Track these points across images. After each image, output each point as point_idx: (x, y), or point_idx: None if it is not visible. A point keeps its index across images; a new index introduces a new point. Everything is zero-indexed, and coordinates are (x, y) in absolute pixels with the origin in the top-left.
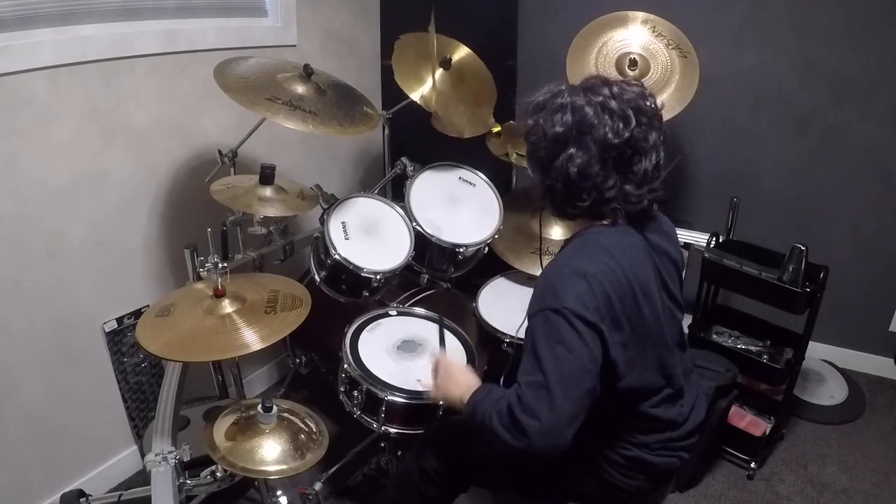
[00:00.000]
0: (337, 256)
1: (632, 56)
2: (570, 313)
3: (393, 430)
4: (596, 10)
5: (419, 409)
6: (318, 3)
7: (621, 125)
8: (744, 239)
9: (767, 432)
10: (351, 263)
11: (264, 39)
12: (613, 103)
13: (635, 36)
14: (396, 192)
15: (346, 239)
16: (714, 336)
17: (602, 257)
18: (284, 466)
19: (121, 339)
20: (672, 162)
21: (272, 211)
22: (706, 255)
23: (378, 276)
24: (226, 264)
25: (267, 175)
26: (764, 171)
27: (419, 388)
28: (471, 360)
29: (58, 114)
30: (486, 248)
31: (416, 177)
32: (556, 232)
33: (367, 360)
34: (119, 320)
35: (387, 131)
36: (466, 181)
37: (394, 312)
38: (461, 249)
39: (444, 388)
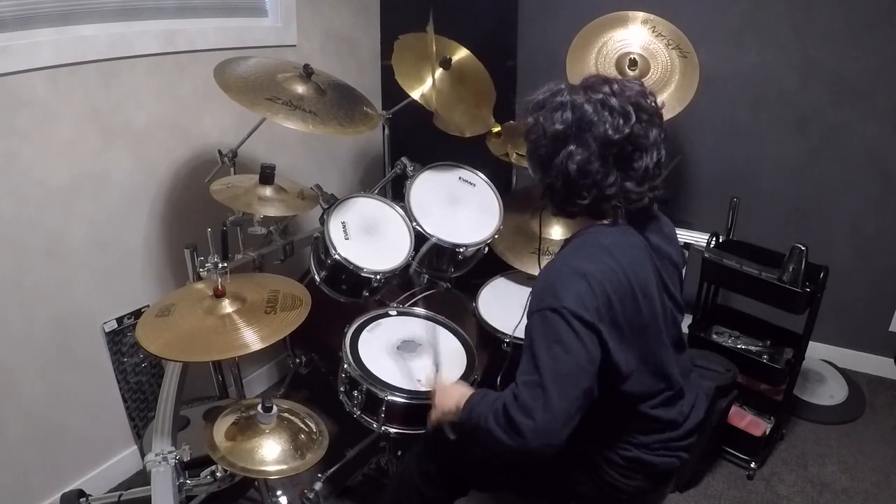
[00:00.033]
0: (337, 256)
1: (632, 56)
2: (568, 313)
3: (393, 430)
4: (596, 11)
5: (419, 409)
6: (318, 3)
7: (621, 121)
8: (744, 239)
9: (767, 432)
10: (351, 263)
11: (264, 39)
12: (614, 100)
13: (635, 36)
14: (396, 192)
15: (346, 239)
16: (714, 336)
17: (602, 257)
18: (284, 466)
19: (121, 339)
20: (672, 162)
21: (272, 211)
22: (706, 255)
23: (378, 276)
24: (226, 264)
25: (267, 175)
26: (764, 171)
27: (419, 388)
28: (471, 360)
29: (58, 114)
30: (486, 248)
31: (416, 177)
32: (556, 232)
33: (367, 360)
34: (119, 320)
35: (387, 131)
36: (466, 181)
37: (394, 312)
38: (461, 249)
39: (441, 405)
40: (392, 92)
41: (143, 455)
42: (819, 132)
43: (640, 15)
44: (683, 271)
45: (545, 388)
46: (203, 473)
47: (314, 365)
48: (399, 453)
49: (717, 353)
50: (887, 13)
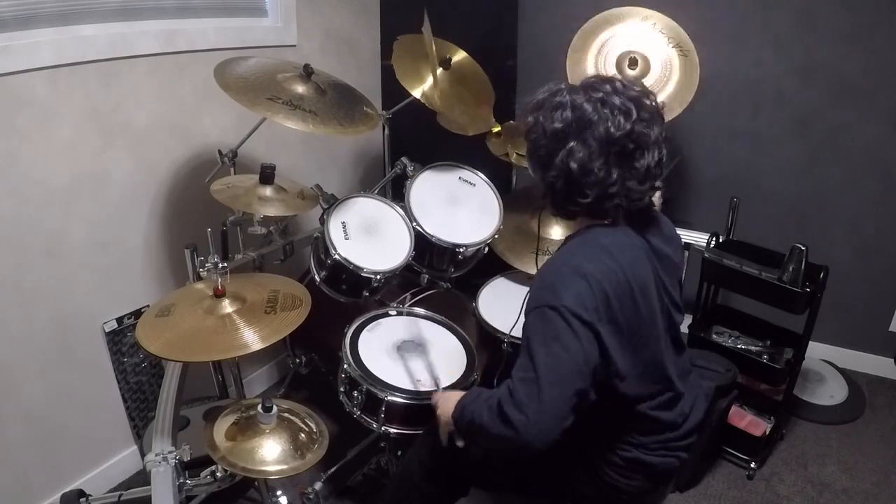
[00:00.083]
0: (337, 256)
1: (632, 55)
2: (567, 312)
3: (393, 430)
4: (596, 10)
5: (419, 409)
6: (318, 3)
7: (622, 119)
8: (744, 239)
9: (767, 432)
10: (351, 263)
11: (264, 39)
12: (615, 98)
13: (635, 35)
14: (396, 192)
15: (346, 239)
16: (714, 336)
17: (602, 256)
18: (284, 466)
19: (121, 339)
20: (672, 162)
21: (272, 211)
22: (706, 255)
23: (378, 276)
24: (226, 264)
25: (267, 175)
26: (764, 172)
27: (419, 388)
28: (470, 360)
29: (58, 114)
30: (486, 248)
31: (416, 177)
32: (556, 232)
33: (367, 360)
34: (119, 320)
35: (387, 131)
36: (466, 181)
37: (394, 312)
38: (461, 249)
39: (444, 415)
40: (392, 92)
41: (143, 455)
42: (819, 132)
43: (642, 11)
44: (683, 274)
45: (540, 385)
46: (203, 473)
47: (314, 365)
48: (399, 453)
49: (717, 353)
50: (887, 13)
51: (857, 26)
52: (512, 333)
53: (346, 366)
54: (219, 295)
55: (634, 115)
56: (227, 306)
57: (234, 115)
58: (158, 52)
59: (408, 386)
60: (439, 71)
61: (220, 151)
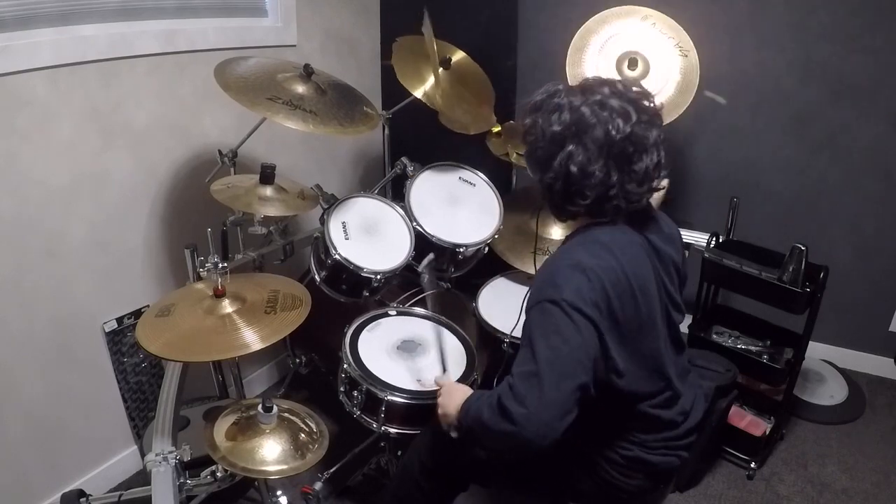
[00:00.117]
0: (337, 256)
1: (632, 56)
2: (567, 305)
3: (393, 430)
4: (596, 10)
5: (419, 409)
6: (318, 3)
7: (621, 122)
8: (744, 239)
9: (767, 432)
10: (351, 263)
11: (264, 39)
12: (613, 101)
13: (636, 34)
14: (396, 192)
15: (347, 239)
16: (714, 336)
17: (602, 253)
18: (285, 466)
19: (121, 339)
20: (672, 162)
21: (272, 211)
22: (706, 255)
23: (378, 276)
24: (226, 264)
25: (267, 175)
26: (764, 171)
27: (419, 388)
28: (471, 360)
29: (58, 114)
30: (486, 248)
31: (416, 177)
32: (556, 232)
33: (366, 360)
34: (119, 320)
35: (387, 131)
36: (466, 181)
37: (394, 312)
38: (461, 249)
39: (444, 406)
40: (392, 92)
41: (143, 455)
42: (819, 132)
43: (642, 10)
44: (686, 272)
45: (540, 377)
46: (203, 473)
47: (314, 365)
48: (399, 453)
49: (717, 353)
50: (887, 13)
51: (857, 26)
52: (512, 334)
53: (346, 366)
54: (219, 295)
55: (633, 118)
56: (227, 306)
57: (234, 115)
58: (158, 52)
59: (408, 386)
60: (440, 71)
61: (220, 151)
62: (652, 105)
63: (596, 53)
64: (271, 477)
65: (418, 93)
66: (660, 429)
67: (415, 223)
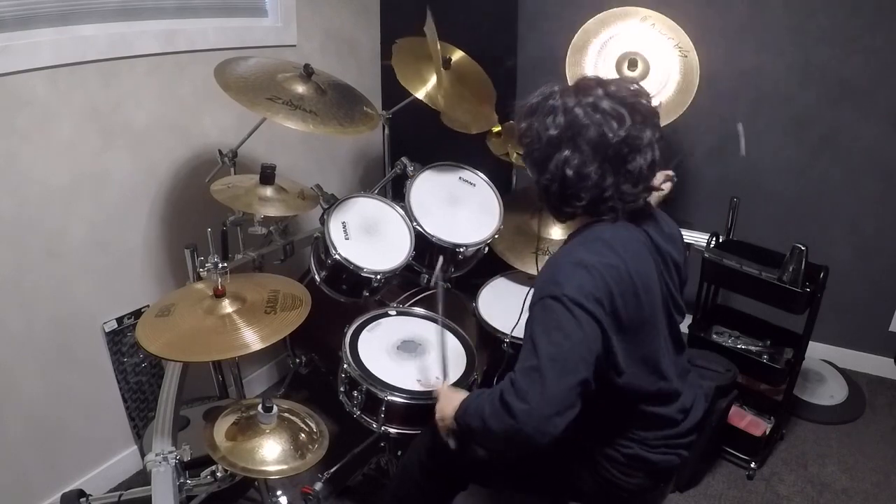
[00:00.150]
0: (337, 256)
1: (632, 57)
2: (569, 301)
3: (393, 430)
4: (596, 11)
5: (419, 409)
6: (318, 3)
7: (615, 124)
8: (744, 239)
9: (767, 432)
10: (351, 263)
11: (264, 39)
12: (605, 102)
13: (636, 35)
14: (396, 192)
15: (347, 239)
16: (714, 336)
17: (605, 251)
18: (285, 466)
19: (121, 339)
20: (674, 162)
21: (272, 211)
22: (706, 255)
23: (378, 276)
24: (226, 264)
25: (267, 175)
26: (764, 171)
27: (419, 388)
28: (470, 360)
29: (58, 114)
30: (486, 248)
31: (416, 177)
32: (556, 232)
33: (366, 360)
34: (119, 320)
35: (387, 131)
36: (466, 181)
37: (394, 312)
38: (461, 249)
39: (441, 409)
40: (392, 92)
41: (143, 455)
42: (819, 132)
43: (641, 11)
44: (687, 272)
45: (542, 372)
46: (203, 473)
47: (314, 365)
48: (399, 453)
49: (717, 353)
50: (887, 13)
51: (856, 27)
52: (512, 334)
53: (346, 366)
54: (219, 295)
55: (627, 120)
56: (227, 306)
57: (234, 115)
58: (158, 52)
59: (407, 386)
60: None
61: (220, 151)
62: (647, 104)
63: (596, 54)
64: (271, 477)
65: (420, 94)
66: (660, 426)
67: (415, 223)
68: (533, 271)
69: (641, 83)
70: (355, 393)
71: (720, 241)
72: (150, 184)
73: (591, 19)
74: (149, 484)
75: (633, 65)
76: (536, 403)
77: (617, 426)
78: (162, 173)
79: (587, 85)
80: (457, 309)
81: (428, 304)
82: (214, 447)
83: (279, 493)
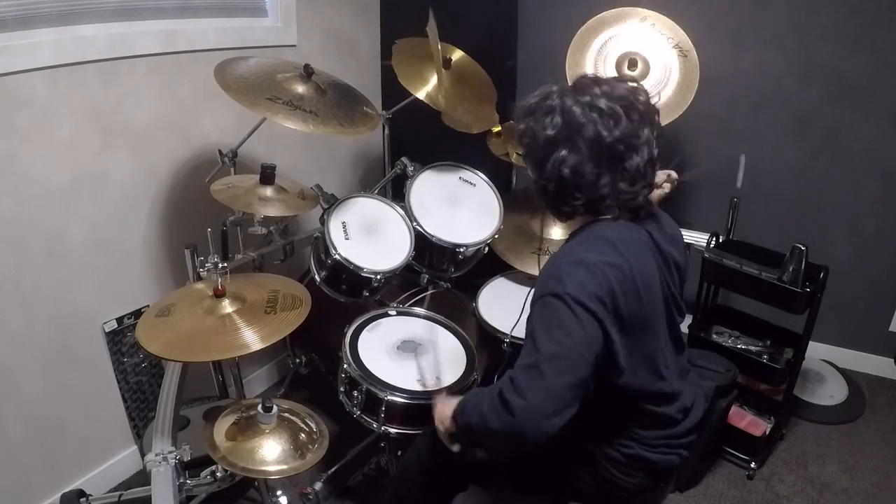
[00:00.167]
0: (337, 256)
1: (632, 57)
2: (571, 299)
3: (393, 430)
4: (596, 10)
5: (419, 409)
6: (318, 3)
7: (612, 123)
8: (744, 239)
9: (767, 432)
10: (351, 263)
11: (264, 39)
12: (602, 102)
13: (635, 35)
14: (396, 192)
15: (347, 239)
16: (714, 336)
17: (607, 249)
18: (284, 466)
19: (121, 339)
20: (673, 162)
21: (272, 211)
22: (706, 255)
23: (378, 276)
24: (226, 264)
25: (267, 175)
26: (764, 171)
27: (419, 388)
28: (470, 360)
29: (58, 114)
30: (486, 248)
31: (416, 177)
32: (556, 232)
33: (366, 360)
34: (119, 320)
35: (387, 131)
36: (466, 181)
37: (394, 312)
38: (461, 249)
39: (440, 412)
40: (392, 92)
41: (143, 455)
42: (819, 132)
43: (641, 11)
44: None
45: (541, 369)
46: (203, 473)
47: (314, 365)
48: (399, 453)
49: (717, 353)
50: (887, 13)
51: (856, 26)
52: (512, 334)
53: (346, 366)
54: (219, 295)
55: (623, 119)
56: (227, 306)
57: (234, 115)
58: (158, 52)
59: (408, 386)
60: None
61: (220, 151)
62: (645, 101)
63: (596, 54)
64: (271, 477)
65: (420, 94)
66: (660, 426)
67: (415, 223)
68: (533, 271)
69: (641, 83)
70: (355, 393)
71: (720, 241)
72: (150, 184)
73: (591, 19)
74: (149, 484)
75: (632, 65)
76: (535, 401)
77: (617, 426)
78: (162, 173)
79: (584, 84)
80: (457, 309)
81: (428, 304)
82: (214, 447)
83: (279, 493)
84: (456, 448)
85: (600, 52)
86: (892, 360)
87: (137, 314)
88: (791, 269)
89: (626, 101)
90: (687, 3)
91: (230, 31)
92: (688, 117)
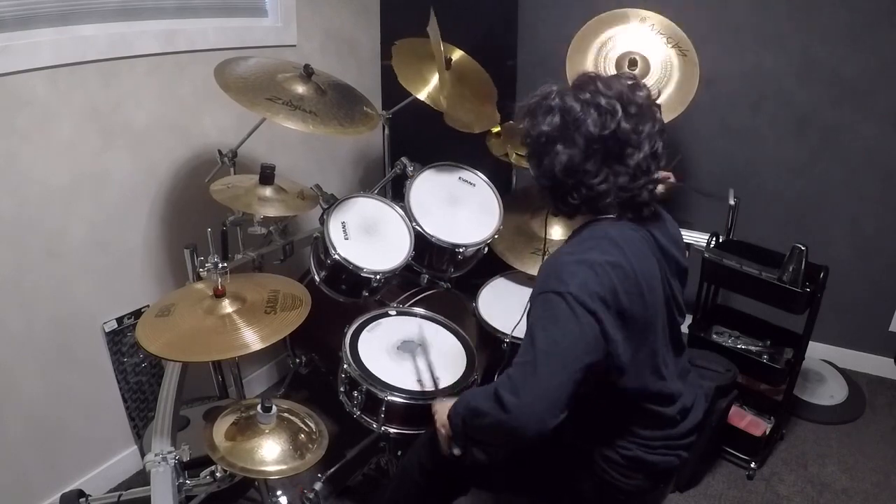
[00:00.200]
0: (337, 256)
1: (632, 56)
2: (572, 298)
3: (393, 430)
4: (596, 10)
5: (419, 409)
6: (318, 3)
7: (608, 118)
8: (744, 239)
9: (767, 432)
10: (351, 263)
11: (264, 39)
12: (600, 97)
13: (635, 35)
14: (396, 192)
15: (346, 239)
16: (714, 336)
17: (610, 248)
18: (284, 466)
19: (121, 339)
20: (672, 161)
21: (272, 211)
22: (706, 255)
23: (378, 276)
24: (226, 264)
25: (267, 175)
26: (764, 171)
27: (419, 388)
28: (471, 360)
29: (58, 114)
30: (486, 248)
31: (416, 177)
32: (557, 232)
33: (366, 360)
34: (119, 320)
35: (387, 131)
36: (466, 181)
37: (394, 312)
38: (461, 249)
39: (439, 414)
40: (392, 92)
41: (142, 455)
42: (819, 132)
43: (640, 12)
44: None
45: (536, 368)
46: (203, 473)
47: (314, 365)
48: (399, 453)
49: (717, 353)
50: (887, 13)
51: (856, 26)
52: (513, 334)
53: (346, 366)
54: (219, 295)
55: (619, 114)
56: (227, 306)
57: (234, 115)
58: (158, 52)
59: (408, 386)
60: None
61: (220, 151)
62: (645, 96)
63: (596, 54)
64: (271, 477)
65: (421, 94)
66: (659, 427)
67: (414, 223)
68: (533, 271)
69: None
70: (355, 393)
71: (720, 241)
72: (150, 184)
73: (591, 20)
74: (149, 484)
75: (632, 64)
76: (527, 397)
77: (616, 427)
78: (162, 173)
79: (584, 81)
80: (457, 309)
81: (428, 304)
82: (214, 447)
83: (279, 493)
84: (457, 452)
85: (600, 51)
86: (892, 360)
87: (137, 314)
88: (791, 269)
89: (626, 96)
90: (687, 4)
91: (230, 31)
92: (688, 117)
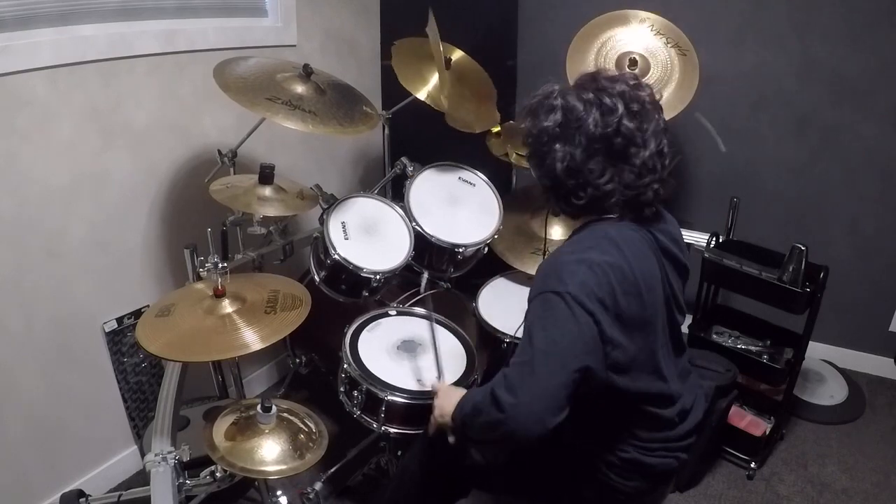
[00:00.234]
0: (336, 256)
1: (632, 56)
2: (570, 298)
3: (393, 430)
4: (596, 10)
5: (419, 409)
6: (318, 3)
7: (612, 117)
8: (744, 239)
9: (767, 432)
10: (350, 263)
11: (264, 39)
12: (603, 96)
13: (635, 35)
14: (396, 192)
15: (346, 239)
16: (714, 336)
17: (609, 248)
18: (284, 466)
19: (121, 339)
20: (673, 162)
21: (272, 211)
22: (706, 255)
23: (378, 276)
24: (226, 264)
25: (266, 175)
26: (764, 171)
27: (419, 388)
28: (470, 360)
29: (58, 114)
30: (486, 248)
31: (415, 177)
32: (557, 232)
33: (366, 360)
34: (119, 320)
35: (387, 131)
36: (466, 181)
37: (394, 312)
38: (461, 249)
39: (441, 407)
40: (392, 92)
41: (142, 455)
42: (819, 132)
43: (640, 13)
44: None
45: (533, 368)
46: (203, 473)
47: (314, 365)
48: (399, 453)
49: (717, 353)
50: (887, 13)
51: (856, 26)
52: (514, 334)
53: (346, 366)
54: (219, 295)
55: (621, 111)
56: (227, 306)
57: (233, 115)
58: (158, 52)
59: (408, 386)
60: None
61: (219, 151)
62: (646, 94)
63: (596, 53)
64: (271, 477)
65: (420, 94)
66: (658, 428)
67: (414, 223)
68: (533, 271)
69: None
70: (355, 393)
71: (720, 241)
72: (150, 184)
73: (591, 21)
74: (148, 484)
75: (633, 64)
76: (523, 397)
77: (615, 429)
78: (162, 173)
79: (585, 80)
80: (457, 309)
81: (427, 304)
82: (214, 447)
83: (279, 493)
84: (451, 439)
85: (600, 51)
86: (892, 360)
87: (137, 314)
88: (791, 269)
89: (628, 94)
90: (687, 4)
91: (230, 31)
92: (688, 117)
